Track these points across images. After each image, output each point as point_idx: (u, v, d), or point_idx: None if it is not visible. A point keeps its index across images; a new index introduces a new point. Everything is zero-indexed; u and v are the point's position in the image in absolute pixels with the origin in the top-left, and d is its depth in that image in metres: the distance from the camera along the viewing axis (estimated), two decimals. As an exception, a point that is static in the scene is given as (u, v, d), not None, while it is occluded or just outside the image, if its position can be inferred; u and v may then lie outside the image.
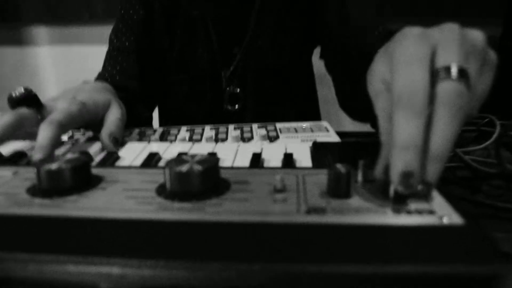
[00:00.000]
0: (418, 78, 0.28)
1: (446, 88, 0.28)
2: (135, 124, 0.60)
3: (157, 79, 0.80)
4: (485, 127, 0.60)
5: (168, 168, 0.30)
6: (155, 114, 0.88)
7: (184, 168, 0.29)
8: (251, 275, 0.21)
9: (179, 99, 0.82)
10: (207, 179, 0.30)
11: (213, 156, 0.33)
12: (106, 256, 0.22)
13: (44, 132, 0.41)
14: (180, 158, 0.31)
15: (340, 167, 0.28)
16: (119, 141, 0.47)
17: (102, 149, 0.46)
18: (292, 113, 0.83)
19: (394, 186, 0.27)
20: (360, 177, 0.31)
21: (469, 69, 0.29)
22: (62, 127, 0.43)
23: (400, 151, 0.27)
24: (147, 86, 0.78)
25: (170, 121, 0.88)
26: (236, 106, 0.77)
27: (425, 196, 0.29)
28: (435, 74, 0.29)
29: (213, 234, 0.25)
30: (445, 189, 0.45)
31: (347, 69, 0.74)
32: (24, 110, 0.44)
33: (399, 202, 0.27)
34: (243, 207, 0.28)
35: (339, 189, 0.28)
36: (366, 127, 0.73)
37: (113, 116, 0.50)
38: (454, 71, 0.28)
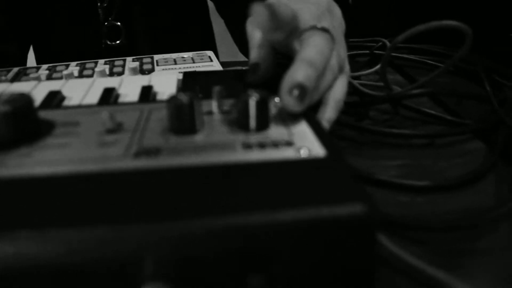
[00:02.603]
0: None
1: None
2: (5, 66, 0.50)
3: (27, 12, 0.68)
4: (378, 50, 0.58)
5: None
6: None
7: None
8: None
9: (55, 35, 0.71)
10: (14, 124, 0.23)
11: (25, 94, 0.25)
12: None
13: None
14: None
15: (182, 96, 0.23)
16: None
17: None
18: (184, 48, 0.76)
19: (281, 96, 0.26)
20: (215, 108, 0.26)
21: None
22: None
23: (306, 64, 0.27)
24: (15, 21, 0.66)
25: (48, 61, 0.77)
26: (118, 42, 0.68)
27: (295, 106, 0.25)
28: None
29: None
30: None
31: (236, 12, 0.68)
32: None
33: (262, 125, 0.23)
34: (58, 155, 0.22)
35: (181, 123, 0.23)
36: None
37: None
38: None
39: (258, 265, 0.17)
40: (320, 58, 0.29)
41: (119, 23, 0.68)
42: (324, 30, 0.31)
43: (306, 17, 0.32)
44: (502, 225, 0.29)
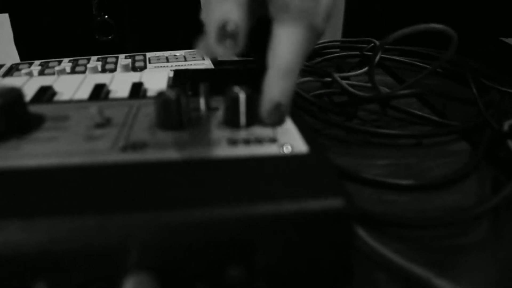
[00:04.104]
0: None
1: None
2: None
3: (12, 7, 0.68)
4: (369, 52, 0.58)
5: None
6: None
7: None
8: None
9: (41, 31, 0.71)
10: (3, 117, 0.23)
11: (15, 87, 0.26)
12: None
13: None
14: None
15: (170, 92, 0.23)
16: None
17: None
18: (178, 43, 0.76)
19: (263, 116, 0.24)
20: (202, 105, 0.26)
21: None
22: None
23: (282, 77, 0.24)
24: None
25: (32, 57, 0.77)
26: (109, 37, 0.68)
27: (278, 122, 0.25)
28: None
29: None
30: (322, 117, 0.43)
31: None
32: None
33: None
34: (47, 148, 0.22)
35: (168, 119, 0.23)
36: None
37: None
38: None
39: (239, 256, 0.18)
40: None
41: (108, 18, 0.68)
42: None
43: None
44: (482, 224, 0.30)
